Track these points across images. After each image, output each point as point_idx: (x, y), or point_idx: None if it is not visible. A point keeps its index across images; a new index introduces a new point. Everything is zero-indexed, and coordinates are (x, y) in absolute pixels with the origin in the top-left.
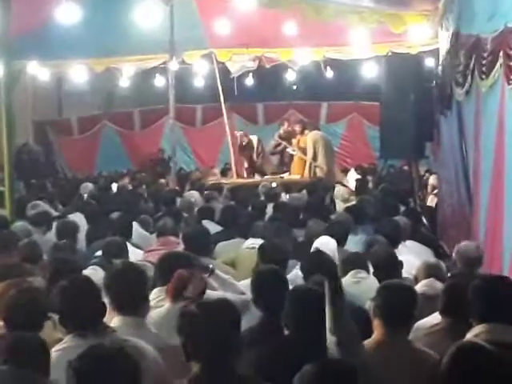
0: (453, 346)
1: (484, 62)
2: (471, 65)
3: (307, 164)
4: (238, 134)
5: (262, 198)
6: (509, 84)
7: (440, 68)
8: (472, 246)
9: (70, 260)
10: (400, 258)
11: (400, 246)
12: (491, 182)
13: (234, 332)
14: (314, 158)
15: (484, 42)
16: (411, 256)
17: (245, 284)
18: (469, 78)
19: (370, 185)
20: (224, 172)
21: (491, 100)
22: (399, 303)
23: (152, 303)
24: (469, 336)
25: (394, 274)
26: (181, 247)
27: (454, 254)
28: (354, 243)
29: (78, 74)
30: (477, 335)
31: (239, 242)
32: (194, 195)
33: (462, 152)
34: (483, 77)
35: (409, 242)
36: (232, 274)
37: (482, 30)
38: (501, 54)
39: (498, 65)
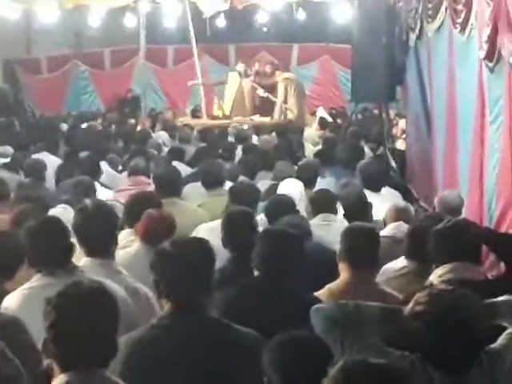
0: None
1: (430, 5)
2: (419, 9)
3: (277, 106)
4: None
5: (232, 139)
6: (455, 28)
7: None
8: (453, 194)
9: (35, 198)
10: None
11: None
12: (445, 125)
13: (208, 272)
14: (285, 100)
15: None
16: (380, 197)
17: (211, 226)
18: (418, 22)
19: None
20: (194, 113)
21: (440, 44)
22: (362, 245)
23: (121, 243)
24: (432, 277)
25: (364, 216)
26: (151, 187)
27: (435, 202)
28: (324, 185)
29: (48, 11)
30: (440, 275)
31: None
32: (163, 136)
33: (421, 96)
34: (429, 20)
35: (387, 189)
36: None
37: None
38: None
39: (443, 8)
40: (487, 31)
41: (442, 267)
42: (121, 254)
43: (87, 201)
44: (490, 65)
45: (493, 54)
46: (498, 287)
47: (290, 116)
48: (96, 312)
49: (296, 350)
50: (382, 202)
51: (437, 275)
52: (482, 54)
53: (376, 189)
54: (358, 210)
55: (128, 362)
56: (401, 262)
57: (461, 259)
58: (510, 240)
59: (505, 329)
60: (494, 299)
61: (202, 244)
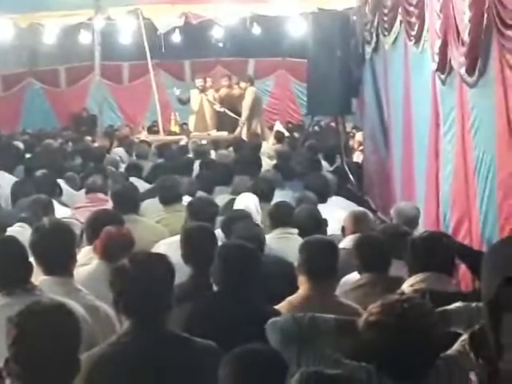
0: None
1: (385, 18)
2: (375, 22)
3: (242, 122)
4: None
5: (191, 154)
6: (410, 40)
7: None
8: (409, 205)
9: None
10: (328, 212)
11: (328, 202)
12: (402, 137)
13: (167, 288)
14: (251, 116)
15: None
16: (339, 210)
17: (171, 241)
18: (374, 35)
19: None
20: (151, 129)
21: (395, 56)
22: (320, 257)
23: (82, 261)
24: (404, 286)
25: (319, 233)
26: (109, 204)
27: (391, 213)
28: (281, 198)
29: (2, 29)
30: (412, 285)
31: None
32: (120, 152)
33: (378, 108)
34: (385, 33)
35: (335, 198)
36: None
37: None
38: (399, 10)
39: (398, 21)
40: (438, 43)
41: (415, 277)
42: (80, 272)
43: (44, 219)
44: (442, 77)
45: (444, 66)
46: (468, 299)
47: (256, 131)
48: (57, 330)
49: (251, 363)
50: (330, 210)
51: (409, 284)
52: (434, 65)
53: (321, 200)
54: (312, 227)
55: (89, 380)
56: (356, 275)
57: (433, 270)
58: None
59: (459, 335)
60: (446, 307)
61: (161, 259)
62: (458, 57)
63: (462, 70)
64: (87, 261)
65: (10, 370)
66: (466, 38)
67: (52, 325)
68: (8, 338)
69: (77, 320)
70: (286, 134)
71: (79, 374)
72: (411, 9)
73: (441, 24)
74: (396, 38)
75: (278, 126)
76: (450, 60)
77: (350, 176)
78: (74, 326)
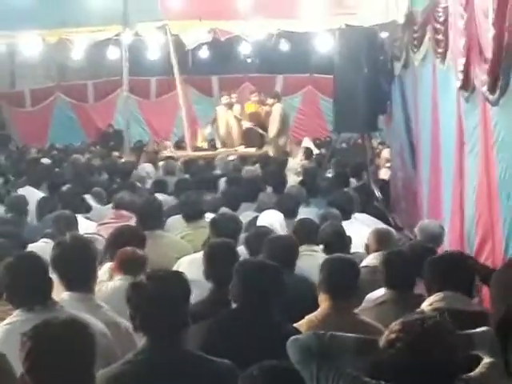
0: None
1: (415, 35)
2: (405, 38)
3: (269, 139)
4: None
5: (218, 171)
6: (437, 57)
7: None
8: (433, 223)
9: (13, 233)
10: (352, 229)
11: (352, 219)
12: (430, 155)
13: (183, 305)
14: (278, 132)
15: (415, 16)
16: (364, 227)
17: (193, 257)
18: (404, 51)
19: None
20: (178, 144)
21: (424, 73)
22: (341, 276)
23: (103, 277)
24: (424, 305)
25: (343, 250)
26: (134, 220)
27: (416, 231)
28: (306, 215)
29: (31, 45)
30: (431, 303)
31: None
32: (147, 168)
33: (406, 125)
34: (415, 50)
35: (360, 215)
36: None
37: (416, 4)
38: (428, 27)
39: (427, 38)
40: (462, 61)
41: (434, 296)
42: (102, 288)
43: (67, 235)
44: (466, 94)
45: (467, 83)
46: (487, 319)
47: (282, 146)
48: (71, 346)
49: (268, 381)
50: (354, 228)
51: (428, 303)
52: (458, 83)
53: (345, 217)
54: (337, 244)
55: None
56: (380, 292)
57: (452, 289)
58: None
59: (481, 359)
60: (469, 330)
61: (177, 276)
62: (480, 75)
63: (484, 88)
64: (109, 277)
65: None
66: (488, 55)
67: (65, 341)
68: (22, 353)
69: (92, 336)
70: (315, 150)
71: None
72: (438, 26)
73: (464, 42)
74: (425, 55)
75: (307, 142)
76: (472, 78)
77: (376, 193)
78: (88, 343)
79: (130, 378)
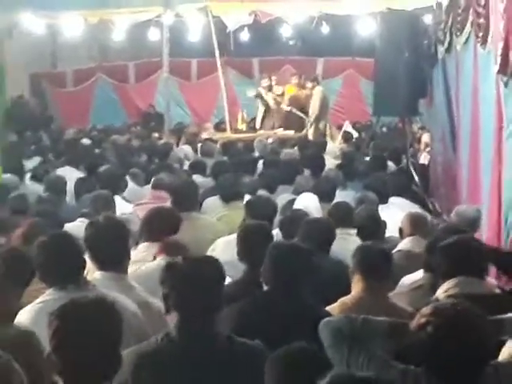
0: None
1: (459, 18)
2: (449, 22)
3: (309, 122)
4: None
5: (257, 153)
6: (478, 41)
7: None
8: (471, 207)
9: (49, 212)
10: (388, 213)
11: (389, 203)
12: (469, 139)
13: (217, 288)
14: (319, 115)
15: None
16: (400, 211)
17: (229, 239)
18: (447, 35)
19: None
20: (218, 126)
21: (466, 57)
22: (375, 258)
23: (137, 257)
24: (438, 292)
25: (377, 234)
26: (170, 202)
27: (452, 215)
28: (342, 198)
29: (72, 26)
30: (446, 290)
31: None
32: (185, 150)
33: (448, 109)
34: (458, 34)
35: (397, 199)
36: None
37: None
38: (471, 11)
39: (469, 22)
40: (501, 45)
41: (448, 282)
42: (143, 268)
43: (100, 215)
44: (505, 79)
45: (506, 67)
46: (503, 302)
47: (322, 129)
48: (98, 324)
49: (293, 363)
50: (391, 212)
51: (442, 290)
52: (497, 67)
53: (381, 200)
54: (371, 228)
55: (134, 373)
56: (417, 276)
57: (465, 274)
58: None
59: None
60: (500, 316)
61: (213, 261)
62: None
63: None
64: (143, 257)
65: (50, 363)
66: None
67: (92, 320)
68: (49, 331)
69: (119, 316)
70: (355, 134)
71: (124, 368)
72: (480, 10)
73: (503, 25)
74: (467, 39)
75: (347, 126)
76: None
77: (415, 177)
78: (115, 323)
79: (159, 356)
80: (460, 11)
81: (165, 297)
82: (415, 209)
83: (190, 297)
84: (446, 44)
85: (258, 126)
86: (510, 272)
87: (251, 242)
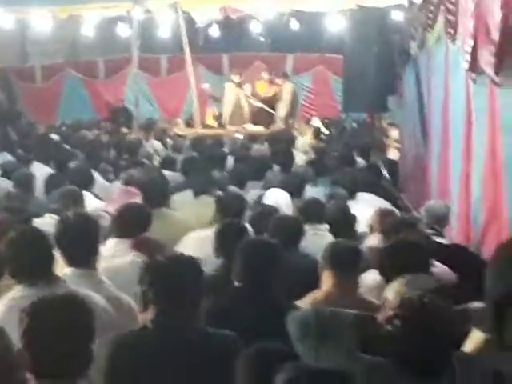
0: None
1: (430, 15)
2: (422, 18)
3: (280, 118)
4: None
5: (227, 149)
6: (448, 38)
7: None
8: (439, 203)
9: (17, 209)
10: (357, 209)
11: (357, 199)
12: (440, 135)
13: (195, 286)
14: (289, 112)
15: None
16: (370, 208)
17: (198, 235)
18: (419, 31)
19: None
20: (188, 122)
21: (438, 53)
22: (345, 254)
23: (107, 253)
24: (387, 293)
25: (348, 229)
26: (140, 198)
27: (421, 211)
28: (313, 194)
29: (42, 21)
30: (394, 289)
31: None
32: (155, 145)
33: (419, 105)
34: (429, 30)
35: (366, 195)
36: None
37: None
38: (442, 7)
39: (440, 18)
40: (470, 42)
41: (395, 282)
42: (115, 262)
43: (69, 211)
44: (473, 76)
45: (475, 65)
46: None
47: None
48: (68, 321)
49: (261, 362)
50: (360, 208)
51: (391, 290)
52: (466, 65)
53: (350, 197)
54: (342, 223)
55: (109, 362)
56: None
57: (411, 271)
58: (459, 251)
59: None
60: (465, 305)
61: (192, 259)
62: (487, 57)
63: (490, 70)
64: (114, 253)
65: (21, 360)
66: (495, 37)
67: (62, 317)
68: (20, 328)
69: (90, 312)
70: (325, 130)
71: (101, 354)
72: (450, 6)
73: (473, 24)
74: (439, 35)
75: (316, 122)
76: (479, 60)
77: (384, 173)
78: (85, 319)
79: (134, 346)
80: (432, 7)
81: (143, 294)
82: (384, 205)
83: (168, 292)
84: (419, 40)
85: (225, 121)
86: (454, 266)
87: (229, 240)
